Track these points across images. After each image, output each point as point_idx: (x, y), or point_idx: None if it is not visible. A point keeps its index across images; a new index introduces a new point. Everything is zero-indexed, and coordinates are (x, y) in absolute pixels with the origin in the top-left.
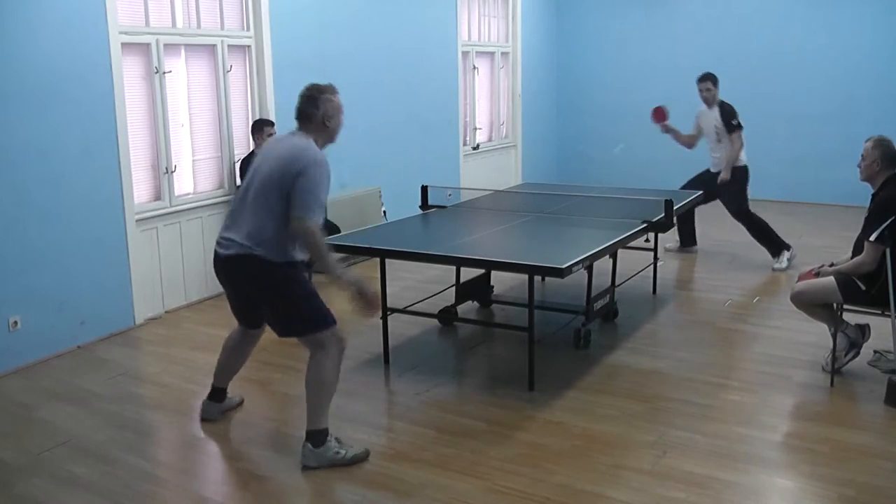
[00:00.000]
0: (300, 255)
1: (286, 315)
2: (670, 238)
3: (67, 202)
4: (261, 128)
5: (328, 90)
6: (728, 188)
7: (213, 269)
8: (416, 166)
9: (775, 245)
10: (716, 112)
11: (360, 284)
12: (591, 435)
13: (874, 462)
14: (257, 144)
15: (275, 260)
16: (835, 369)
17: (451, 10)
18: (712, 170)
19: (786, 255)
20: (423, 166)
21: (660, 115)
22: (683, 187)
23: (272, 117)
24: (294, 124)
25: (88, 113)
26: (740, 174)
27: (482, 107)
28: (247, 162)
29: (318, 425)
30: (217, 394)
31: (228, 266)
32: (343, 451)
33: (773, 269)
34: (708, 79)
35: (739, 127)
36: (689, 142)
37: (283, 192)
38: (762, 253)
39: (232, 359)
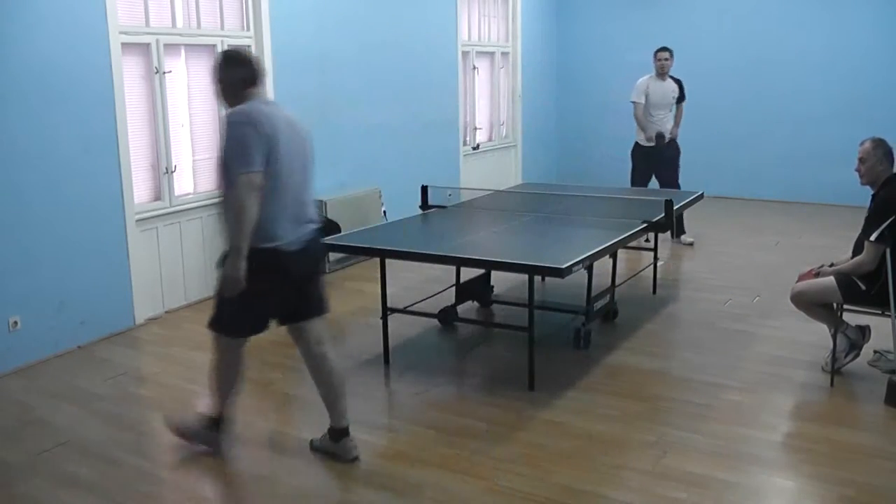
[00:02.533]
0: None
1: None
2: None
3: (67, 202)
4: None
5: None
6: (674, 161)
7: (210, 269)
8: (416, 166)
9: (681, 227)
10: (671, 83)
11: None
12: (591, 435)
13: (874, 462)
14: None
15: None
16: (835, 370)
17: (451, 10)
18: (655, 140)
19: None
20: (423, 166)
21: None
22: (638, 181)
23: None
24: (298, 121)
25: (88, 113)
26: (678, 150)
27: (482, 107)
28: None
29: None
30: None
31: (319, 250)
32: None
33: (684, 243)
34: (668, 49)
35: (685, 98)
36: (642, 120)
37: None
38: (762, 252)
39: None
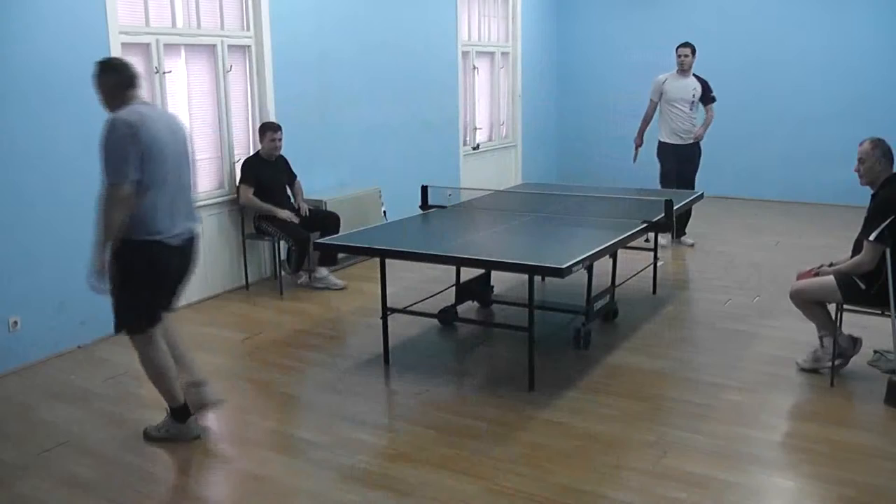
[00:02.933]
0: None
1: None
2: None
3: (67, 202)
4: (263, 132)
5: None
6: (695, 161)
7: (210, 269)
8: (416, 166)
9: (683, 228)
10: (693, 81)
11: None
12: (591, 435)
13: (874, 462)
14: (262, 146)
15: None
16: (811, 370)
17: (451, 10)
18: (678, 139)
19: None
20: (423, 166)
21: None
22: (667, 184)
23: (272, 117)
24: (293, 123)
25: (88, 113)
26: (699, 150)
27: (482, 107)
28: (250, 164)
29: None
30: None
31: (196, 250)
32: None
33: (684, 244)
34: (688, 45)
35: (715, 100)
36: (648, 121)
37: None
38: (762, 253)
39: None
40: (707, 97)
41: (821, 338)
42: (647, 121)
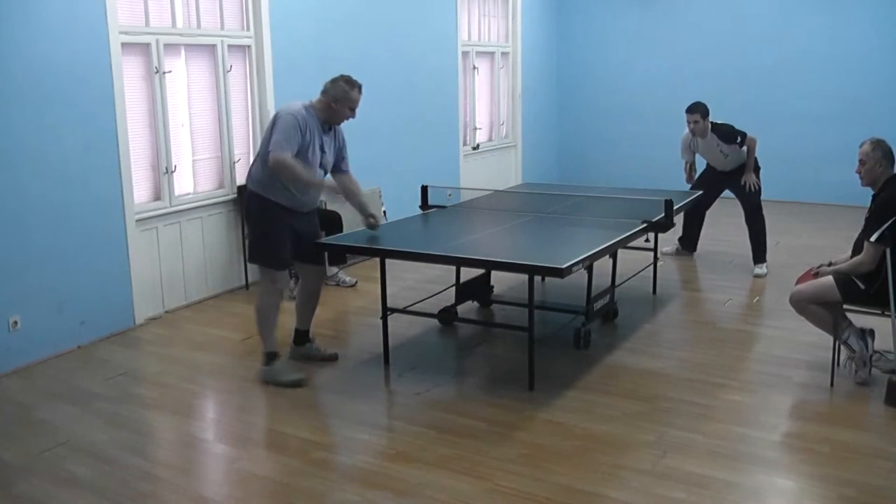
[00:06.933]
0: (281, 199)
1: (249, 241)
2: (669, 241)
3: (67, 202)
4: None
5: (348, 81)
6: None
7: (210, 269)
8: (416, 166)
9: (764, 251)
10: (712, 140)
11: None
12: (591, 435)
13: (874, 462)
14: None
15: (260, 193)
16: (862, 372)
17: (451, 10)
18: (719, 168)
19: (765, 265)
20: (423, 166)
21: None
22: (697, 185)
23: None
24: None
25: (88, 113)
26: (757, 167)
27: (482, 107)
28: None
29: (266, 348)
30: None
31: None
32: (286, 376)
33: (755, 275)
34: (697, 111)
35: (745, 134)
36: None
37: (268, 138)
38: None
39: (300, 303)
40: (736, 143)
41: (842, 343)
42: (689, 168)
